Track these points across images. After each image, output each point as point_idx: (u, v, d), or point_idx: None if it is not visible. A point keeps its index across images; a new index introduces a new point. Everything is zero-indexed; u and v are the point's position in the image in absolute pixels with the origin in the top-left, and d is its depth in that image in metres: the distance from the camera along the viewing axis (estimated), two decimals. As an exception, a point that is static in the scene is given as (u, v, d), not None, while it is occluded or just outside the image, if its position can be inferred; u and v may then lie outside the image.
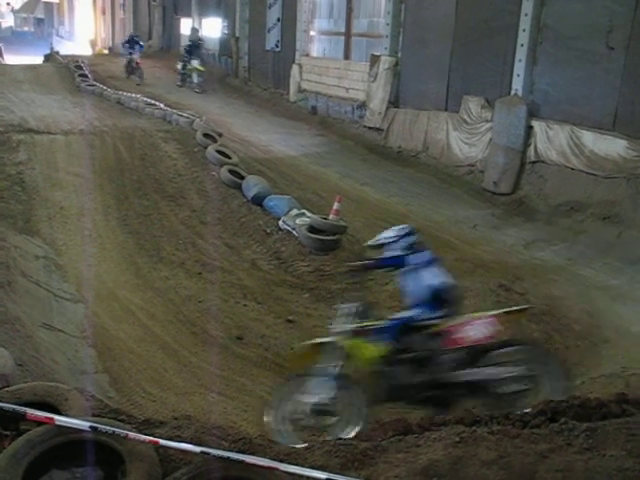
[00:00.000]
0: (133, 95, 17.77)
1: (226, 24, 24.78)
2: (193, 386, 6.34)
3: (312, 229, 9.57)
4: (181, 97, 19.87)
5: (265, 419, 5.02)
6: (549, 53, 11.54)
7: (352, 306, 5.30)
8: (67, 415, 3.75)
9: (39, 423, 3.57)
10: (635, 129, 10.11)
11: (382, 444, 3.85)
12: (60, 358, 6.32)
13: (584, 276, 8.82)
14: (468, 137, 13.21)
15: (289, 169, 13.30)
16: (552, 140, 11.35)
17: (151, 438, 3.54)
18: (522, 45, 11.81)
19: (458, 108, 13.49)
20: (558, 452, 3.54)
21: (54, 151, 12.20)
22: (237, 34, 23.55)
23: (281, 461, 3.54)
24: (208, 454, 3.46)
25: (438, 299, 5.34)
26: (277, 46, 21.25)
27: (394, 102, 15.52)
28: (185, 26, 28.53)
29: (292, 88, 20.10)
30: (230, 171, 11.67)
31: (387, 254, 5.65)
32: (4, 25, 58.89)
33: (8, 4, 60.98)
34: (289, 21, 20.31)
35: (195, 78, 21.49)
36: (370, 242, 5.78)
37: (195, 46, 22.06)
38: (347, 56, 18.24)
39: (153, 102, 16.83)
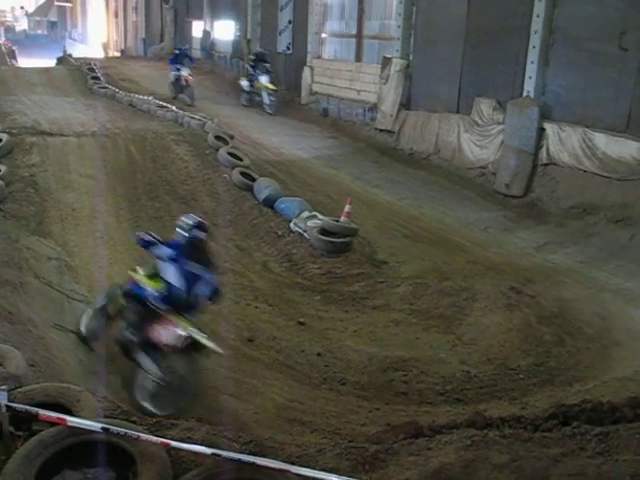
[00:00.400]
0: (145, 97, 17.83)
1: (238, 26, 24.82)
2: (204, 387, 6.33)
3: (323, 231, 9.56)
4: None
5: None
6: (561, 55, 11.49)
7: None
8: (79, 416, 3.77)
9: (51, 424, 3.60)
10: (648, 131, 10.07)
11: (393, 447, 3.86)
12: (72, 359, 6.34)
13: (596, 279, 8.78)
14: (480, 139, 13.17)
15: (300, 171, 13.30)
16: (564, 142, 11.30)
17: (162, 440, 3.55)
18: (534, 47, 11.77)
19: (470, 110, 13.46)
20: (570, 456, 3.53)
21: (67, 153, 12.25)
22: (249, 36, 23.59)
23: (292, 463, 3.55)
24: (219, 456, 3.47)
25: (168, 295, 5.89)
26: (288, 48, 21.27)
27: (405, 104, 15.49)
28: (197, 28, 28.65)
29: (303, 90, 20.11)
30: (241, 173, 11.68)
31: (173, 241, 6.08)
32: (18, 28, 59.31)
33: (22, 8, 61.45)
34: (300, 23, 20.32)
35: (266, 98, 18.41)
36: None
37: (260, 60, 19.00)
38: (358, 58, 18.23)
39: (165, 104, 16.88)
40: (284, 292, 8.56)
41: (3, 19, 58.34)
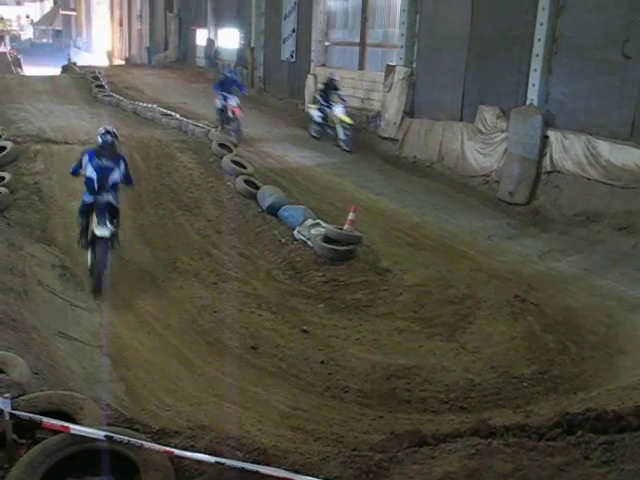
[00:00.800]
0: (149, 105, 17.89)
1: (242, 35, 24.91)
2: (207, 396, 6.32)
3: (327, 239, 9.56)
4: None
5: None
6: (564, 63, 11.51)
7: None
8: (82, 424, 3.77)
9: (55, 432, 3.60)
10: (652, 139, 10.07)
11: (397, 455, 3.84)
12: (75, 367, 6.35)
13: (600, 286, 8.76)
14: (483, 147, 13.18)
15: (304, 179, 13.32)
16: (568, 150, 11.30)
17: (166, 448, 3.55)
18: (537, 55, 11.79)
19: (473, 118, 13.47)
20: (575, 465, 3.51)
21: (71, 161, 12.14)
22: (252, 45, 23.69)
23: (296, 472, 3.53)
24: (223, 464, 3.46)
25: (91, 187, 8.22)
26: (292, 56, 21.35)
27: (409, 112, 15.52)
28: (201, 37, 28.76)
29: (307, 98, 20.16)
30: (245, 181, 11.71)
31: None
32: (23, 37, 59.69)
33: (28, 17, 61.84)
34: (304, 32, 20.41)
35: (341, 132, 15.57)
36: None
37: (331, 87, 16.29)
38: (362, 66, 18.29)
39: (169, 112, 16.94)
40: (287, 300, 8.55)
41: (9, 28, 58.68)
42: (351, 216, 9.87)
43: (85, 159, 8.27)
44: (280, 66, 22.23)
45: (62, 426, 3.56)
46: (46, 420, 3.57)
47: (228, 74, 16.67)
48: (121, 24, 40.97)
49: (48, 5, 61.71)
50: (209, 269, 9.29)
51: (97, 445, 3.54)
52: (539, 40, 11.72)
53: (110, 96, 19.66)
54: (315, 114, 16.35)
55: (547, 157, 11.70)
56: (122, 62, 38.27)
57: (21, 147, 12.27)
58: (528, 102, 12.08)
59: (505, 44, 12.64)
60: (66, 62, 29.60)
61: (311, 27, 19.94)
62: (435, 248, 10.22)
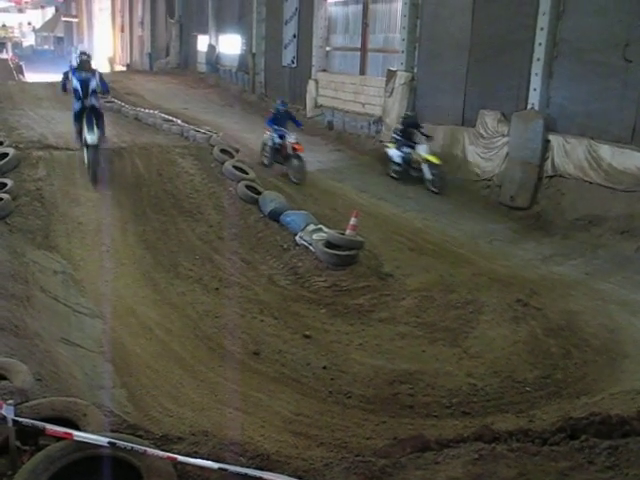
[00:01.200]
0: (150, 111, 17.92)
1: (243, 40, 24.97)
2: (210, 401, 6.32)
3: (329, 244, 9.56)
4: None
5: None
6: (565, 67, 11.52)
7: None
8: (86, 430, 3.77)
9: (58, 438, 3.59)
10: (654, 143, 10.07)
11: (400, 461, 3.83)
12: (78, 373, 6.34)
13: (602, 291, 8.75)
14: (485, 151, 13.19)
15: (306, 184, 13.32)
16: (569, 154, 11.31)
17: (169, 454, 3.54)
18: (538, 59, 11.81)
19: (474, 122, 13.49)
20: (579, 470, 3.50)
21: (73, 167, 12.29)
22: (254, 50, 23.76)
23: (300, 478, 3.53)
24: (226, 470, 3.45)
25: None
26: (293, 62, 21.39)
27: (410, 117, 15.52)
28: (202, 43, 28.84)
29: (308, 103, 20.21)
30: (247, 186, 11.71)
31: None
32: (25, 44, 59.81)
33: (29, 24, 62.00)
34: (305, 37, 20.46)
35: (428, 172, 13.51)
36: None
37: (411, 124, 14.34)
38: (363, 71, 18.33)
39: (170, 118, 16.96)
40: (290, 305, 8.55)
41: (11, 35, 58.83)
42: (353, 221, 9.87)
43: (71, 74, 11.68)
44: (281, 71, 22.28)
45: (65, 433, 3.56)
46: (49, 427, 3.57)
47: (281, 107, 14.52)
48: (122, 30, 41.10)
49: (50, 12, 61.85)
50: (211, 275, 9.29)
51: (100, 452, 3.53)
52: (540, 44, 11.74)
53: (111, 102, 19.69)
54: (394, 154, 14.32)
55: (549, 161, 11.71)
56: (123, 68, 38.39)
57: (23, 153, 12.28)
58: (529, 106, 12.09)
59: (506, 48, 12.66)
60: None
61: (312, 32, 19.99)
62: (437, 253, 10.22)
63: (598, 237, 10.39)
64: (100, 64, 39.34)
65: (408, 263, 9.74)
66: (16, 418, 3.58)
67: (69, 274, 8.70)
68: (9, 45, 53.87)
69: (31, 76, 34.18)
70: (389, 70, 16.16)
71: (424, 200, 13.10)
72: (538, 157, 11.79)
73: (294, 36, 21.13)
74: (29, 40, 61.51)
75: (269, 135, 14.22)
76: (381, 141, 16.18)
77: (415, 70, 15.49)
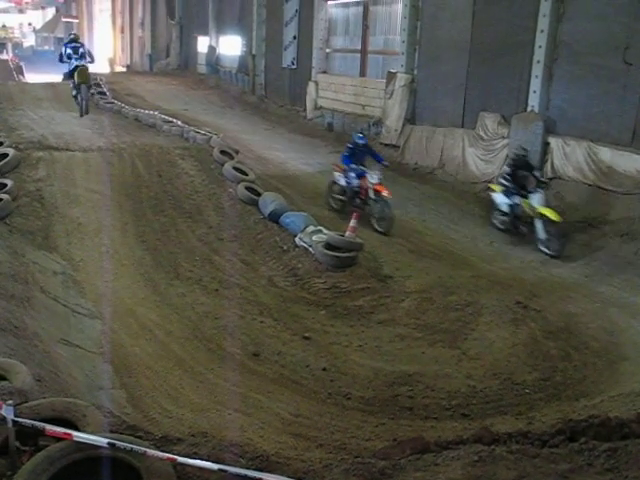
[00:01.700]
0: (151, 112, 17.92)
1: (243, 42, 24.99)
2: (210, 403, 6.32)
3: (328, 246, 9.56)
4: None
5: None
6: (565, 69, 11.54)
7: None
8: (85, 431, 3.77)
9: (57, 439, 3.59)
10: (654, 145, 10.09)
11: (400, 462, 3.83)
12: (78, 374, 6.34)
13: (602, 293, 8.77)
14: (484, 154, 13.20)
15: (305, 186, 13.33)
16: (569, 156, 11.32)
17: (169, 455, 3.54)
18: (538, 62, 11.82)
19: (474, 125, 13.50)
20: (578, 472, 3.50)
21: (73, 168, 12.31)
22: (254, 52, 23.77)
23: (299, 479, 3.53)
24: (225, 471, 3.45)
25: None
26: (293, 63, 21.40)
27: (410, 119, 15.56)
28: (202, 44, 28.84)
29: (308, 105, 20.21)
30: (247, 188, 11.71)
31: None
32: (25, 44, 59.82)
33: (30, 24, 62.01)
34: (305, 39, 20.47)
35: (541, 230, 10.40)
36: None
37: (524, 166, 11.05)
38: (363, 73, 18.34)
39: (170, 119, 16.97)
40: (289, 307, 8.55)
41: (11, 35, 58.84)
42: (353, 223, 9.88)
43: (63, 47, 16.04)
44: (281, 73, 22.29)
45: (65, 433, 3.56)
46: (49, 427, 3.57)
47: (360, 141, 11.95)
48: (123, 31, 41.11)
49: (50, 13, 61.90)
50: (210, 276, 9.29)
51: (100, 452, 3.53)
52: (540, 47, 11.76)
53: (112, 103, 19.71)
54: (501, 201, 11.27)
55: (548, 163, 11.72)
56: (124, 69, 38.38)
57: (23, 154, 12.29)
58: (529, 109, 12.11)
59: (506, 51, 12.68)
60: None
61: (312, 34, 20.01)
62: (436, 254, 10.23)
63: (598, 239, 10.39)
64: (100, 65, 39.41)
65: (408, 265, 9.74)
66: (16, 418, 3.58)
67: (69, 275, 8.70)
68: (9, 46, 53.85)
69: (31, 77, 34.18)
70: (389, 72, 16.17)
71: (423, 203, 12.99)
72: (538, 159, 11.79)
73: (294, 38, 21.14)
74: (29, 41, 61.53)
75: (340, 174, 12.01)
76: (380, 143, 16.20)
77: (415, 72, 15.50)
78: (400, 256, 10.09)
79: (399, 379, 6.82)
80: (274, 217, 10.83)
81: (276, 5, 22.14)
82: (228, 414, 6.10)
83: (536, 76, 11.91)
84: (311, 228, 10.17)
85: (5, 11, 60.11)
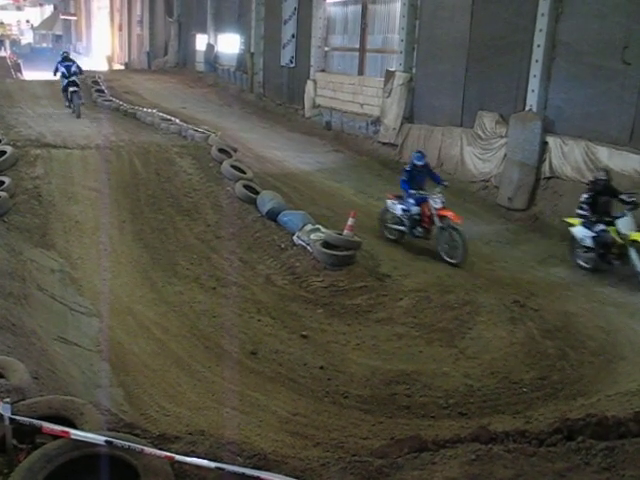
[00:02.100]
0: (149, 110, 17.91)
1: (242, 40, 24.97)
2: (207, 401, 6.32)
3: (326, 244, 9.56)
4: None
5: None
6: (564, 69, 11.54)
7: None
8: (83, 429, 3.76)
9: (55, 437, 3.59)
10: (652, 145, 10.08)
11: (397, 461, 3.83)
12: (75, 372, 6.34)
13: (599, 292, 8.78)
14: (482, 153, 13.21)
15: (303, 184, 13.33)
16: (567, 156, 11.32)
17: (166, 453, 3.54)
18: (537, 61, 11.82)
19: (472, 124, 13.50)
20: (576, 471, 3.51)
21: (70, 165, 12.30)
22: (252, 50, 23.75)
23: (296, 477, 3.53)
24: (223, 470, 3.45)
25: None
26: (292, 62, 21.39)
27: (408, 118, 15.56)
28: (201, 42, 28.81)
29: (307, 103, 20.21)
30: (245, 186, 11.71)
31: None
32: (23, 42, 59.69)
33: (28, 21, 61.87)
34: (304, 37, 20.46)
35: (638, 261, 8.79)
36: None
37: (606, 191, 9.46)
38: (361, 72, 18.34)
39: (168, 117, 16.96)
40: (287, 305, 8.55)
41: (9, 32, 58.72)
42: (350, 221, 9.87)
43: (58, 65, 18.49)
44: (280, 71, 22.28)
45: (62, 431, 3.55)
46: (46, 425, 3.56)
47: (418, 162, 10.60)
48: (121, 29, 41.05)
49: (48, 10, 61.78)
50: (208, 274, 9.29)
51: (97, 450, 3.53)
52: (538, 46, 11.76)
53: (110, 101, 19.71)
54: (583, 235, 9.57)
55: (546, 163, 11.73)
56: (122, 67, 38.32)
57: (21, 151, 12.28)
58: (527, 108, 12.11)
59: (504, 50, 12.68)
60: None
61: (311, 32, 20.00)
62: (434, 253, 10.22)
63: (595, 239, 10.38)
64: (98, 63, 39.41)
65: (405, 264, 9.75)
66: (13, 416, 3.58)
67: (66, 272, 8.70)
68: (7, 43, 53.77)
69: (29, 74, 34.09)
70: (387, 71, 16.17)
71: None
72: (536, 159, 11.81)
73: (293, 36, 21.13)
74: (27, 38, 61.37)
75: (393, 201, 10.74)
76: (378, 141, 16.20)
77: (413, 71, 15.50)
78: (398, 255, 10.09)
79: (397, 378, 6.82)
80: (272, 215, 10.83)
81: (275, 3, 22.13)
82: (225, 412, 6.10)
83: (534, 75, 11.91)
84: (309, 226, 10.17)
85: (3, 8, 59.96)
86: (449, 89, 14.32)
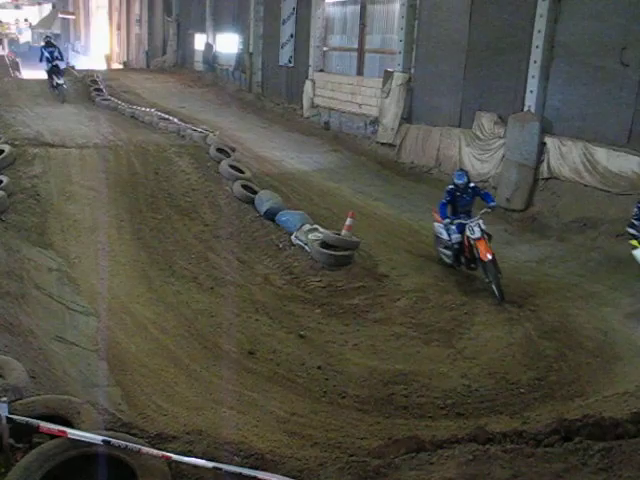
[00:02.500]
0: (147, 109, 17.90)
1: (241, 39, 24.95)
2: (205, 400, 6.32)
3: (324, 244, 9.56)
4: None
5: None
6: (562, 70, 11.54)
7: None
8: (80, 428, 3.76)
9: (52, 436, 3.59)
10: (650, 146, 10.09)
11: (395, 461, 3.84)
12: (72, 371, 6.33)
13: (597, 293, 8.77)
14: (481, 153, 13.21)
15: (302, 184, 13.32)
16: (565, 156, 11.33)
17: (164, 453, 3.54)
18: (535, 62, 11.82)
19: (471, 124, 13.50)
20: (573, 472, 3.51)
21: (69, 165, 12.29)
22: (251, 49, 23.73)
23: (294, 477, 3.53)
24: (220, 469, 3.45)
25: None
26: (290, 62, 21.38)
27: (407, 118, 15.55)
28: (199, 41, 28.79)
29: (305, 103, 20.20)
30: (243, 186, 11.71)
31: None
32: (22, 40, 59.58)
33: (26, 20, 61.77)
34: (302, 37, 20.45)
35: None
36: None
37: None
38: (360, 72, 18.32)
39: (167, 116, 16.95)
40: (285, 305, 8.55)
41: (7, 31, 58.62)
42: (349, 221, 9.87)
43: (42, 49, 20.04)
44: (278, 71, 22.27)
45: (59, 430, 3.55)
46: (43, 424, 3.56)
47: (460, 180, 9.35)
48: (119, 28, 40.99)
49: (47, 8, 61.68)
50: (206, 274, 9.28)
51: (94, 450, 3.53)
52: (537, 47, 11.76)
53: (108, 100, 19.68)
54: None
55: (544, 163, 11.73)
56: (120, 66, 38.24)
57: (19, 150, 12.27)
58: (526, 108, 12.11)
59: (503, 50, 12.68)
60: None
61: (309, 32, 19.98)
62: (432, 254, 10.22)
63: (593, 240, 10.40)
64: (97, 62, 39.36)
65: (403, 264, 9.75)
66: (10, 415, 3.58)
67: (64, 272, 8.69)
68: (5, 41, 53.65)
69: (27, 73, 34.02)
70: (386, 71, 16.16)
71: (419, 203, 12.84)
72: (534, 159, 11.81)
73: (291, 36, 21.12)
74: (26, 37, 61.26)
75: (440, 225, 9.65)
76: (376, 142, 16.20)
77: (412, 71, 15.49)
78: (396, 255, 10.09)
79: (394, 378, 6.83)
80: (270, 215, 10.83)
81: (273, 3, 22.11)
82: (223, 412, 6.10)
83: (533, 76, 11.91)
84: (307, 226, 10.17)
85: (1, 7, 59.85)
86: (448, 89, 14.32)
